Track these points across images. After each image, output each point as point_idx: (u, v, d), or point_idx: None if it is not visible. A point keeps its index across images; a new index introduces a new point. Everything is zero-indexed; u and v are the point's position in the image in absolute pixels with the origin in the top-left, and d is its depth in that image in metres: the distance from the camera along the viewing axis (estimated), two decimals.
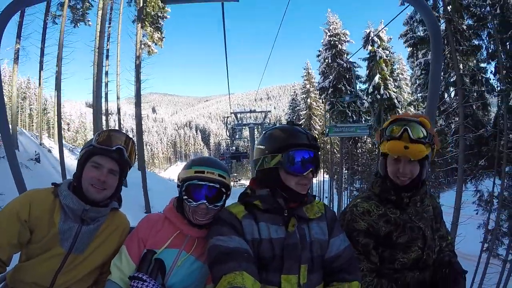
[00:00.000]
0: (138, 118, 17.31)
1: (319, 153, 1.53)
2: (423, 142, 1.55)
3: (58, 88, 14.35)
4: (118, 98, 18.20)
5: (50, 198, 1.57)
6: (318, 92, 26.50)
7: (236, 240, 1.33)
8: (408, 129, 1.56)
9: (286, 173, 1.44)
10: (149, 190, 17.63)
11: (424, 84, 14.65)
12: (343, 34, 24.03)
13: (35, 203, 1.53)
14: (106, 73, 19.09)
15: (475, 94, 13.01)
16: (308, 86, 33.90)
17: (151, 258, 1.44)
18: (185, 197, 1.49)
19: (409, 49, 14.74)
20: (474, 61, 12.81)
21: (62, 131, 20.04)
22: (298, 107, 38.70)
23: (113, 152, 1.56)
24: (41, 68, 18.34)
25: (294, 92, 45.98)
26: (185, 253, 1.52)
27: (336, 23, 24.15)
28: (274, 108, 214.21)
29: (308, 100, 33.33)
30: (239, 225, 1.40)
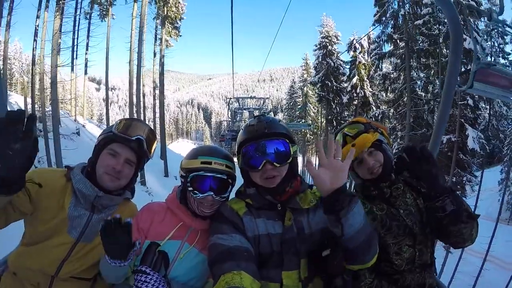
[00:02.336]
0: (161, 103, 21.76)
1: (289, 139, 1.42)
2: (363, 131, 1.62)
3: (106, 82, 18.31)
4: (143, 85, 22.25)
5: (62, 180, 1.53)
6: (310, 85, 30.68)
7: (237, 239, 1.30)
8: (345, 132, 1.67)
9: (249, 171, 1.44)
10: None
11: (383, 90, 18.86)
12: (335, 36, 27.59)
13: (47, 180, 1.48)
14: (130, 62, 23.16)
15: (424, 100, 17.14)
16: (305, 75, 37.51)
17: (155, 250, 1.40)
18: (190, 188, 1.44)
19: (376, 62, 18.75)
20: (424, 74, 16.91)
21: (74, 107, 24.42)
22: (295, 94, 42.19)
23: (132, 142, 1.52)
24: (74, 57, 22.28)
25: (293, 79, 49.53)
26: (188, 245, 1.48)
27: (329, 26, 27.70)
28: (277, 90, 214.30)
29: (305, 88, 36.94)
30: (241, 223, 1.38)
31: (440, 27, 15.06)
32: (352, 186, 1.89)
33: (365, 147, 1.61)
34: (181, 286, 1.43)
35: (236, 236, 1.32)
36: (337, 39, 27.85)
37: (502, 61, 18.03)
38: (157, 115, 24.49)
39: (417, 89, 16.89)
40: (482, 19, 15.63)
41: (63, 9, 13.73)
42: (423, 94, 16.88)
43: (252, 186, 1.47)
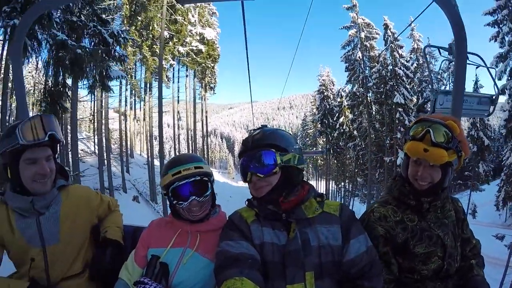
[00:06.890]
0: (206, 143, 31.11)
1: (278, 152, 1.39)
2: (446, 147, 1.42)
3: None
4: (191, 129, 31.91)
5: (2, 208, 1.56)
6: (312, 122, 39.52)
7: (244, 246, 1.32)
8: (431, 131, 1.44)
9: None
10: None
11: (353, 129, 27.59)
12: (331, 82, 35.84)
13: None
14: (178, 112, 32.72)
15: (380, 131, 25.70)
16: (314, 110, 45.71)
17: (155, 263, 1.48)
18: (175, 201, 1.51)
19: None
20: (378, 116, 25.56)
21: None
22: (307, 126, 50.74)
23: (47, 141, 1.50)
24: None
25: (305, 114, 58.64)
26: (190, 250, 1.52)
27: (325, 75, 35.97)
28: (296, 117, 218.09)
29: (314, 122, 45.26)
30: (248, 230, 1.41)
31: (382, 85, 23.91)
32: (390, 183, 1.71)
33: (432, 162, 1.44)
34: None
35: (243, 243, 1.33)
36: (333, 84, 36.06)
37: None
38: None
39: (376, 124, 25.59)
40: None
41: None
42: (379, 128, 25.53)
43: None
